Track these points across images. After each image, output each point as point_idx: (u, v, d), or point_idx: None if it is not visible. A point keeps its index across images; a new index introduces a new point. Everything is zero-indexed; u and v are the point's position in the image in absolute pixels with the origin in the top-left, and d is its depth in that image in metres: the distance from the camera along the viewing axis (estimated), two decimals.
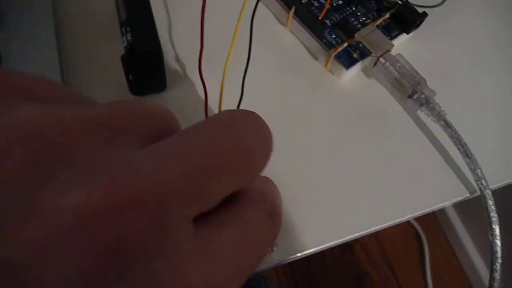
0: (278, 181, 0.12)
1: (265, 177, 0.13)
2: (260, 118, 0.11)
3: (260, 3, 0.31)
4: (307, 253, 0.24)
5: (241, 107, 0.24)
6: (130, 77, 0.25)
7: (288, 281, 0.90)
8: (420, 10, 0.30)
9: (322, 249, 0.24)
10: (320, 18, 0.29)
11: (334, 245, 0.24)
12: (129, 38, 0.24)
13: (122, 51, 0.24)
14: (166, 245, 0.08)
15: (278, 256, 0.23)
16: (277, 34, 0.30)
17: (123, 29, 0.25)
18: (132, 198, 0.08)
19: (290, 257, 0.24)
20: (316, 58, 0.30)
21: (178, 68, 0.28)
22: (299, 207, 0.25)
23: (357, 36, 0.29)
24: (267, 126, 0.11)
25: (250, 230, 0.10)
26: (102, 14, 0.29)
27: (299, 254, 0.24)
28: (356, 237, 0.25)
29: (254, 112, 0.11)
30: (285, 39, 0.30)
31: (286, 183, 0.25)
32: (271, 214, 0.11)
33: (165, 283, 0.08)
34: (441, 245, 0.97)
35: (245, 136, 0.10)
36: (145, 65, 0.25)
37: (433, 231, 0.98)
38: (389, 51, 0.28)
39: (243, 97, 0.24)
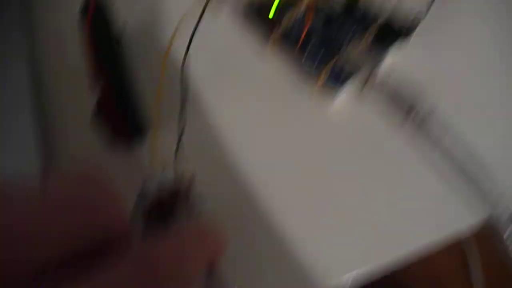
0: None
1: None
2: None
3: (240, 33, 0.30)
4: None
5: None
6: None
7: None
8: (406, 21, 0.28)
9: None
10: (298, 47, 0.28)
11: None
12: None
13: None
14: None
15: None
16: (255, 66, 0.29)
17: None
18: None
19: None
20: (300, 90, 0.28)
21: None
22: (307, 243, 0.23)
23: (341, 59, 0.27)
24: None
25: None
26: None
27: None
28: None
29: None
30: (265, 71, 0.29)
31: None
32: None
33: None
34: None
35: None
36: None
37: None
38: (377, 70, 0.26)
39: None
